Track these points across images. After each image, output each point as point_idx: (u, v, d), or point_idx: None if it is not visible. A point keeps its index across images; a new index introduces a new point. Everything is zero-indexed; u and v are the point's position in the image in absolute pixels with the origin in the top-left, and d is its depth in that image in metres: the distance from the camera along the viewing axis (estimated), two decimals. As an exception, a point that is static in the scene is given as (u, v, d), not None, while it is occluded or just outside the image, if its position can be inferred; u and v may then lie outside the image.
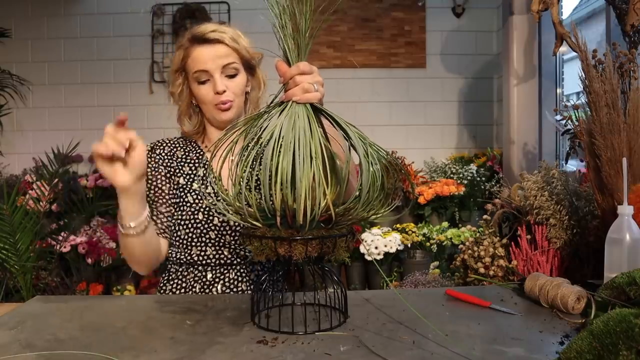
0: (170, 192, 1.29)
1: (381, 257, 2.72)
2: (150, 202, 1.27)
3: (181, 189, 1.29)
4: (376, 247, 2.74)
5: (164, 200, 1.29)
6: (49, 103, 3.59)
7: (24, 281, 2.29)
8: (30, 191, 2.73)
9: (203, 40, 1.24)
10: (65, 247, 2.67)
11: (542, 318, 0.93)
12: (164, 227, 1.28)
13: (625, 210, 1.01)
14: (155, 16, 3.55)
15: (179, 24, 3.48)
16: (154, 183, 1.29)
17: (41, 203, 2.55)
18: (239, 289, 1.26)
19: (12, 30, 3.41)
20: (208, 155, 1.34)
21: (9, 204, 2.24)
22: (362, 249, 2.76)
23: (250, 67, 1.32)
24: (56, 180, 2.71)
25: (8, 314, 1.00)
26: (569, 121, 1.95)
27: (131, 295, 2.61)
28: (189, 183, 1.29)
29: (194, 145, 1.36)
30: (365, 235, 2.80)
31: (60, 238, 2.68)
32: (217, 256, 1.26)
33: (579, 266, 1.28)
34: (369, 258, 2.73)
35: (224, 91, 1.25)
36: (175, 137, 1.38)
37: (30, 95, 3.53)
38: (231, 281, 1.27)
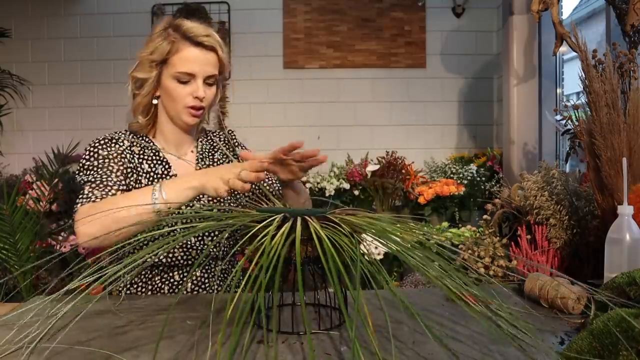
0: (125, 184, 1.21)
1: (381, 257, 2.72)
2: (113, 183, 1.19)
3: None
4: (376, 247, 2.74)
5: (122, 188, 1.21)
6: (49, 103, 3.59)
7: (24, 281, 2.29)
8: (30, 191, 2.73)
9: (197, 42, 1.22)
10: (65, 247, 2.67)
11: (542, 318, 0.93)
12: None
13: (625, 210, 1.01)
14: (155, 16, 3.55)
15: (179, 17, 3.48)
16: (116, 169, 1.21)
17: (41, 203, 2.55)
18: (207, 285, 1.27)
19: (12, 30, 3.41)
20: (163, 152, 1.30)
21: (9, 204, 2.24)
22: (362, 249, 2.75)
23: (220, 75, 1.32)
24: (56, 180, 2.72)
25: (8, 314, 1.00)
26: (569, 121, 1.95)
27: (131, 295, 2.60)
28: (150, 183, 1.25)
29: (147, 140, 1.31)
30: (365, 235, 2.80)
31: (60, 238, 2.68)
32: (184, 257, 1.26)
33: (579, 266, 1.28)
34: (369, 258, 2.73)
35: (204, 98, 1.24)
36: (125, 131, 1.31)
37: (30, 95, 3.53)
38: (199, 279, 1.28)
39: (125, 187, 1.20)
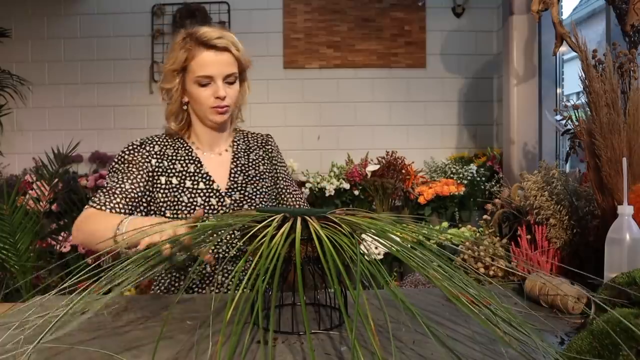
0: (144, 187, 1.30)
1: (381, 257, 2.72)
2: (120, 191, 1.27)
3: (175, 189, 1.32)
4: (376, 247, 2.74)
5: (132, 195, 1.28)
6: (49, 103, 3.59)
7: (24, 281, 2.29)
8: (30, 191, 2.73)
9: (210, 45, 1.29)
10: (65, 247, 2.67)
11: (542, 318, 0.93)
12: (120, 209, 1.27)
13: (625, 210, 1.01)
14: (155, 16, 3.55)
15: (179, 24, 3.48)
16: (135, 173, 1.31)
17: (41, 203, 2.54)
18: (239, 279, 1.29)
19: (12, 30, 3.41)
20: (197, 152, 1.39)
21: (9, 204, 2.24)
22: (362, 249, 2.75)
23: (242, 74, 1.39)
24: (56, 180, 2.71)
25: (8, 314, 1.00)
26: (569, 121, 1.95)
27: (131, 295, 2.61)
28: (182, 182, 1.34)
29: (181, 142, 1.41)
30: (365, 235, 2.80)
31: (60, 238, 2.68)
32: (214, 251, 1.30)
33: (579, 266, 1.28)
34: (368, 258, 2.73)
35: (225, 97, 1.31)
36: (161, 135, 1.41)
37: (30, 95, 3.53)
38: (229, 272, 1.33)
39: (138, 197, 1.29)
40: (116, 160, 1.34)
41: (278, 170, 1.48)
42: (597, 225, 1.26)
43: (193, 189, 1.33)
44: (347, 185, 3.23)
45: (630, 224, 1.00)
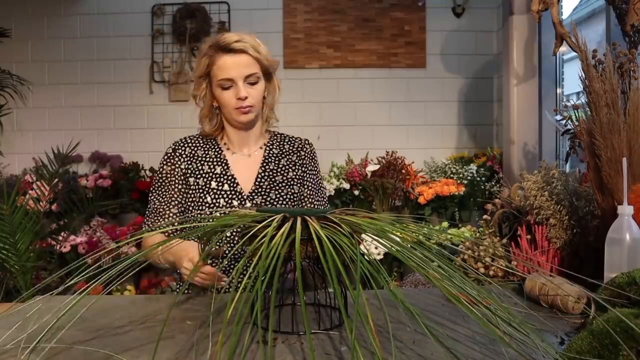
0: (182, 193, 1.40)
1: (381, 257, 2.72)
2: (166, 203, 1.39)
3: (200, 189, 1.38)
4: (376, 247, 2.74)
5: (177, 202, 1.40)
6: (49, 103, 3.59)
7: (24, 281, 2.28)
8: (30, 191, 2.72)
9: (228, 49, 1.34)
10: (65, 247, 2.67)
11: (542, 318, 0.93)
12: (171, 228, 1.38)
13: (625, 210, 1.01)
14: (155, 16, 3.55)
15: (179, 24, 3.48)
16: (172, 185, 1.40)
17: (41, 203, 2.54)
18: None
19: (12, 30, 3.41)
20: (226, 153, 1.44)
21: (9, 204, 2.23)
22: (362, 249, 2.75)
23: (267, 74, 1.42)
24: (56, 180, 2.71)
25: (8, 313, 1.00)
26: (569, 121, 1.95)
27: (131, 295, 2.61)
28: (207, 182, 1.38)
29: (213, 143, 1.46)
30: (365, 235, 2.80)
31: (60, 238, 2.68)
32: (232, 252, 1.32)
33: (579, 266, 1.28)
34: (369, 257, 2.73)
35: (246, 97, 1.35)
36: (195, 136, 1.47)
37: (30, 95, 3.53)
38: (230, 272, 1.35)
39: (184, 201, 1.40)
40: (158, 174, 1.43)
41: (306, 178, 1.49)
42: (597, 225, 1.26)
43: (217, 190, 1.38)
44: (347, 185, 3.23)
45: (630, 224, 1.00)
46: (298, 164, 1.49)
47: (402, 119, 3.60)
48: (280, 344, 0.82)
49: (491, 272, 1.32)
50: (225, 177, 1.40)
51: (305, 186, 1.48)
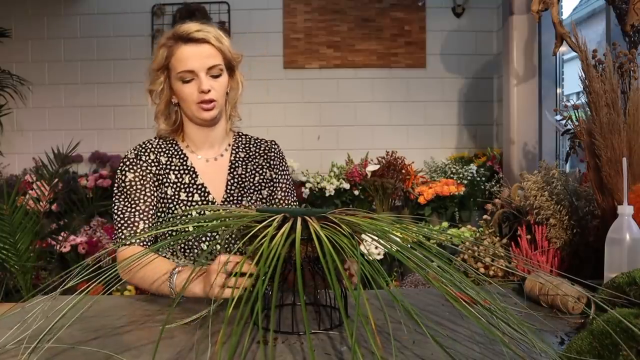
0: (155, 202, 1.26)
1: (381, 257, 2.72)
2: (139, 212, 1.23)
3: (169, 200, 1.27)
4: (376, 247, 2.74)
5: (150, 213, 1.25)
6: (49, 103, 3.59)
7: (24, 281, 2.29)
8: (30, 191, 2.73)
9: (188, 39, 1.24)
10: (65, 247, 2.67)
11: (542, 318, 0.93)
12: (145, 239, 1.23)
13: (625, 210, 1.01)
14: (155, 16, 3.55)
15: (178, 23, 3.48)
16: (143, 191, 1.25)
17: (41, 203, 2.54)
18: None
19: (12, 30, 3.41)
20: (190, 157, 1.32)
21: (9, 204, 2.24)
22: (362, 249, 2.75)
23: (230, 68, 1.32)
24: (56, 180, 2.71)
25: (8, 314, 1.00)
26: (569, 121, 1.95)
27: (131, 295, 2.61)
28: (176, 193, 1.28)
29: (175, 147, 1.33)
30: (365, 235, 2.80)
31: (60, 238, 2.68)
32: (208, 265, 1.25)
33: (579, 266, 1.28)
34: (369, 258, 2.73)
35: (209, 90, 1.24)
36: (154, 140, 1.33)
37: (30, 95, 3.53)
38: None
39: (155, 207, 1.26)
40: (118, 181, 1.27)
41: (279, 180, 1.39)
42: (597, 225, 1.26)
43: (187, 201, 1.27)
44: (347, 185, 3.23)
45: (630, 224, 1.00)
46: (265, 167, 1.38)
47: (402, 119, 3.61)
48: (280, 343, 0.82)
49: (491, 272, 1.32)
50: (195, 186, 1.29)
51: (278, 188, 1.39)
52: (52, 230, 2.84)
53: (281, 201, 1.38)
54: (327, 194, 3.19)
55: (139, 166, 1.27)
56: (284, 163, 1.43)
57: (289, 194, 1.41)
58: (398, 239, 0.85)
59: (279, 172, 1.40)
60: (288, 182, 1.42)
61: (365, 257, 0.78)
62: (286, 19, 3.57)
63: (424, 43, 3.59)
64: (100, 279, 0.82)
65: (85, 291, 0.83)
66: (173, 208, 1.26)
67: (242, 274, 0.88)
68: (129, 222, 1.22)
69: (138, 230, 1.22)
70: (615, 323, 0.67)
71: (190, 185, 1.29)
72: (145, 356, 0.78)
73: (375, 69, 3.60)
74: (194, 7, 3.49)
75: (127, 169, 1.27)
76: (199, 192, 1.29)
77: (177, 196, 1.27)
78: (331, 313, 0.91)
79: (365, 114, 3.61)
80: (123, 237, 1.21)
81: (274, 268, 0.87)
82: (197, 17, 3.45)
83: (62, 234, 2.72)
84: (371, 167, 3.18)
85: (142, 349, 0.81)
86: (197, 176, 1.30)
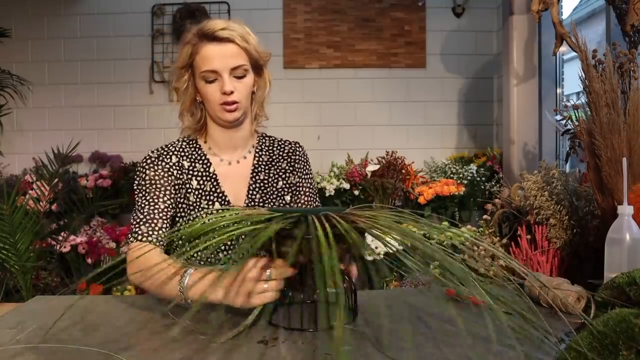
0: (173, 206, 1.23)
1: (381, 256, 2.72)
2: (159, 211, 1.19)
3: (191, 207, 1.24)
4: (376, 247, 2.73)
5: (169, 214, 1.21)
6: (49, 103, 3.59)
7: (24, 281, 2.29)
8: (30, 191, 2.73)
9: (213, 37, 1.20)
10: (65, 247, 2.67)
11: (542, 318, 0.93)
12: (162, 239, 1.19)
13: (625, 210, 1.01)
14: (155, 16, 3.55)
15: (179, 24, 3.48)
16: (163, 192, 1.21)
17: (41, 203, 2.54)
18: None
19: (12, 30, 3.41)
20: (212, 160, 1.29)
21: (9, 204, 2.24)
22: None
23: (257, 67, 1.28)
24: (56, 180, 2.71)
25: (8, 314, 1.00)
26: (569, 121, 1.95)
27: (131, 295, 2.61)
28: (198, 201, 1.25)
29: (198, 151, 1.29)
30: (365, 235, 2.80)
31: (60, 238, 2.68)
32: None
33: (579, 266, 1.28)
34: (369, 258, 2.73)
35: (232, 92, 1.21)
36: (176, 142, 1.30)
37: (30, 95, 3.53)
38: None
39: (173, 211, 1.22)
40: (138, 179, 1.23)
41: (302, 184, 1.36)
42: (597, 225, 1.26)
43: (208, 209, 1.24)
44: (347, 185, 3.23)
45: (630, 224, 1.00)
46: (289, 171, 1.35)
47: (402, 119, 3.61)
48: (280, 343, 0.82)
49: (491, 272, 1.31)
50: (216, 194, 1.26)
51: (302, 192, 1.36)
52: (52, 230, 2.84)
53: (304, 206, 1.35)
54: (327, 194, 3.19)
55: (160, 166, 1.23)
56: (307, 166, 1.40)
57: (312, 198, 1.38)
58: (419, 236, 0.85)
59: (303, 176, 1.37)
60: (312, 186, 1.38)
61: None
62: (286, 19, 3.57)
63: (424, 43, 3.59)
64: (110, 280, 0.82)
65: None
66: (194, 215, 1.22)
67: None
68: (148, 217, 1.17)
69: (156, 228, 1.17)
70: (615, 323, 0.67)
71: (212, 192, 1.26)
72: (145, 356, 0.78)
73: (375, 69, 3.60)
74: (194, 7, 3.49)
75: (147, 167, 1.23)
76: (219, 200, 1.25)
77: (198, 204, 1.24)
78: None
79: (365, 114, 3.61)
80: (140, 232, 1.16)
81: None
82: (197, 17, 3.45)
83: (62, 234, 2.72)
84: (371, 167, 3.18)
85: (142, 349, 0.81)
86: (218, 184, 1.27)
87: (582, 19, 4.59)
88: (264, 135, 1.39)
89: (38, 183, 2.67)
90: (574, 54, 2.16)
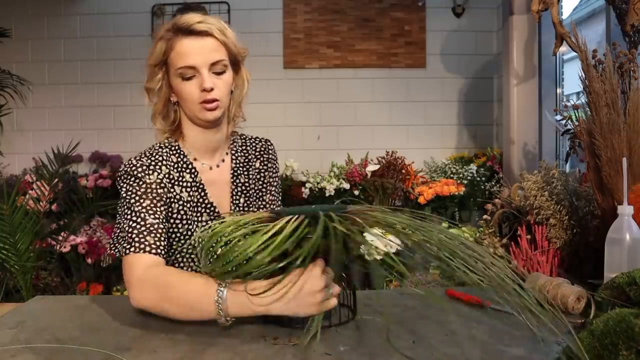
0: (166, 215, 1.11)
1: (381, 257, 2.71)
2: (162, 219, 1.08)
3: (183, 219, 1.14)
4: (376, 247, 2.73)
5: (166, 224, 1.10)
6: (49, 103, 3.59)
7: (24, 281, 2.29)
8: (30, 191, 2.73)
9: (189, 31, 1.11)
10: (65, 247, 2.67)
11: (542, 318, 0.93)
12: (162, 251, 1.05)
13: (625, 210, 1.01)
14: (155, 16, 3.55)
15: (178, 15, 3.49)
16: (162, 201, 1.09)
17: (41, 203, 2.54)
18: None
19: (12, 30, 3.41)
20: (197, 166, 1.19)
21: (9, 204, 2.24)
22: (362, 249, 2.75)
23: (235, 64, 1.19)
24: (56, 180, 2.71)
25: (8, 314, 1.00)
26: (569, 121, 1.95)
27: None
28: (188, 212, 1.16)
29: (183, 157, 1.18)
30: (365, 235, 2.80)
31: (60, 238, 2.68)
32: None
33: (579, 266, 1.28)
34: (369, 258, 2.73)
35: (212, 89, 1.11)
36: (159, 149, 1.17)
37: (30, 95, 3.53)
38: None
39: (166, 223, 1.10)
40: (134, 184, 1.09)
41: (271, 183, 1.30)
42: (597, 225, 1.26)
43: (197, 221, 1.16)
44: (347, 185, 3.23)
45: (630, 224, 1.00)
46: (262, 170, 1.29)
47: (402, 119, 3.61)
48: (280, 343, 0.82)
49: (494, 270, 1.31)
50: (203, 205, 1.17)
51: (268, 191, 1.29)
52: (52, 230, 2.84)
53: (270, 204, 1.28)
54: (327, 194, 3.19)
55: (154, 175, 1.11)
56: (276, 165, 1.33)
57: (276, 198, 1.31)
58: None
59: (271, 174, 1.30)
60: (278, 187, 1.32)
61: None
62: (286, 19, 3.57)
63: (424, 43, 3.59)
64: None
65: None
66: (187, 227, 1.14)
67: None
68: (152, 228, 1.03)
69: (162, 238, 1.04)
70: (615, 323, 0.67)
71: (199, 204, 1.17)
72: (145, 356, 0.78)
73: (375, 69, 3.60)
74: (194, 7, 3.48)
75: (142, 173, 1.10)
76: (207, 211, 1.18)
77: (187, 216, 1.14)
78: (339, 310, 0.92)
79: (365, 114, 3.61)
80: (147, 243, 1.01)
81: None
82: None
83: (62, 234, 2.72)
84: (371, 167, 3.18)
85: (142, 349, 0.81)
86: (206, 194, 1.18)
87: (582, 19, 4.59)
88: (234, 134, 1.30)
89: (38, 183, 2.67)
90: (574, 54, 2.16)
